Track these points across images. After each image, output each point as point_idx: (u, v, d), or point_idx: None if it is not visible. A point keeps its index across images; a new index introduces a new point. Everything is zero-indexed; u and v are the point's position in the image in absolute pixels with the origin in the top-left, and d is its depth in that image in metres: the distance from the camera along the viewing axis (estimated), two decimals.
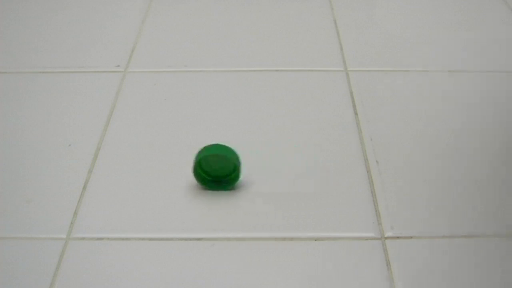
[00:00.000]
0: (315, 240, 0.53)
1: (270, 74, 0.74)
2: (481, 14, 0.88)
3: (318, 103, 0.69)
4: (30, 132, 0.65)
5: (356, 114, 0.67)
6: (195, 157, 0.56)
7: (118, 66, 0.76)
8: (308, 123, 0.66)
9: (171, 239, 0.53)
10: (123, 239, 0.53)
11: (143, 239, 0.53)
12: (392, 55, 0.78)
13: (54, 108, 0.69)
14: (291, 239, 0.53)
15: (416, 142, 0.63)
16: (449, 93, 0.71)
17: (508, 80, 0.72)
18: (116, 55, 0.78)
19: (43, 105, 0.69)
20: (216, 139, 0.64)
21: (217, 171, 0.57)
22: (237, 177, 0.57)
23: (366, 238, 0.53)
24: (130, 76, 0.74)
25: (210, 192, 0.57)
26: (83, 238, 0.53)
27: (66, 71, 0.75)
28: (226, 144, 0.57)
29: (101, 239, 0.53)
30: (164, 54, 0.78)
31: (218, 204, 0.56)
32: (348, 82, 0.72)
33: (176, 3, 0.90)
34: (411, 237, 0.53)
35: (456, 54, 0.78)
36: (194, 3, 0.91)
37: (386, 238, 0.53)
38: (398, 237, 0.53)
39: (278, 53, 0.78)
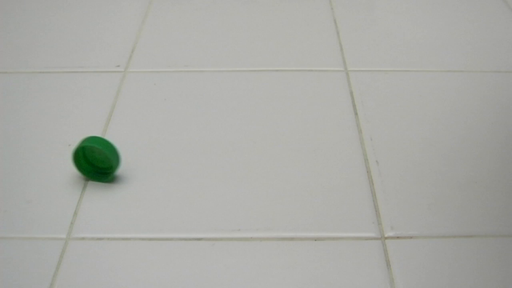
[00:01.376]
0: (315, 240, 0.53)
1: (270, 74, 0.74)
2: (481, 14, 0.88)
3: (318, 103, 0.69)
4: (30, 132, 0.65)
5: (356, 114, 0.67)
6: (77, 144, 0.57)
7: (118, 66, 0.76)
8: (308, 123, 0.66)
9: (171, 239, 0.53)
10: (123, 239, 0.53)
11: (143, 239, 0.53)
12: (392, 55, 0.78)
13: (54, 108, 0.69)
14: (291, 239, 0.53)
15: (416, 142, 0.63)
16: (449, 93, 0.71)
17: (508, 80, 0.72)
18: (116, 55, 0.78)
19: (43, 105, 0.69)
20: (216, 138, 0.64)
21: (98, 162, 0.58)
22: (112, 172, 0.58)
23: (366, 238, 0.53)
24: (130, 76, 0.74)
25: (209, 192, 0.57)
26: (83, 238, 0.53)
27: (66, 71, 0.75)
28: (107, 139, 0.58)
29: (101, 239, 0.53)
30: (164, 54, 0.78)
31: (218, 204, 0.56)
32: (348, 82, 0.72)
33: (176, 3, 0.90)
34: (411, 237, 0.53)
35: (456, 54, 0.78)
36: (194, 3, 0.91)
37: (386, 238, 0.53)
38: (398, 237, 0.53)
39: (278, 53, 0.78)
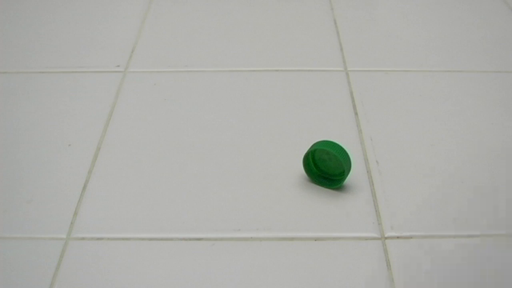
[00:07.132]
0: (315, 240, 0.53)
1: (270, 74, 0.75)
2: (481, 14, 0.88)
3: (318, 103, 0.69)
4: (30, 132, 0.65)
5: (356, 114, 0.67)
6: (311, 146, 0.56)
7: (118, 66, 0.76)
8: (307, 123, 0.66)
9: (171, 239, 0.53)
10: (123, 239, 0.53)
11: (143, 239, 0.53)
12: (392, 55, 0.78)
13: (54, 108, 0.69)
14: (291, 239, 0.53)
15: (416, 142, 0.63)
16: (449, 93, 0.71)
17: (508, 80, 0.72)
18: (116, 55, 0.78)
19: (43, 105, 0.69)
20: (216, 138, 0.64)
21: (328, 168, 0.57)
22: (342, 179, 0.56)
23: (366, 238, 0.53)
24: (130, 76, 0.74)
25: (209, 192, 0.57)
26: (83, 238, 0.53)
27: (66, 71, 0.75)
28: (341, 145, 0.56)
29: (101, 239, 0.53)
30: (164, 54, 0.78)
31: (218, 204, 0.56)
32: (348, 82, 0.72)
33: (176, 3, 0.90)
34: (411, 237, 0.53)
35: (456, 54, 0.78)
36: (194, 3, 0.91)
37: (386, 238, 0.53)
38: (398, 237, 0.53)
39: (278, 53, 0.78)
